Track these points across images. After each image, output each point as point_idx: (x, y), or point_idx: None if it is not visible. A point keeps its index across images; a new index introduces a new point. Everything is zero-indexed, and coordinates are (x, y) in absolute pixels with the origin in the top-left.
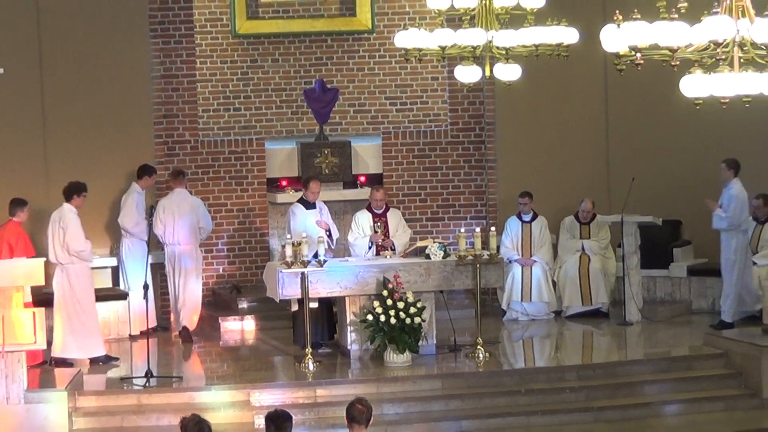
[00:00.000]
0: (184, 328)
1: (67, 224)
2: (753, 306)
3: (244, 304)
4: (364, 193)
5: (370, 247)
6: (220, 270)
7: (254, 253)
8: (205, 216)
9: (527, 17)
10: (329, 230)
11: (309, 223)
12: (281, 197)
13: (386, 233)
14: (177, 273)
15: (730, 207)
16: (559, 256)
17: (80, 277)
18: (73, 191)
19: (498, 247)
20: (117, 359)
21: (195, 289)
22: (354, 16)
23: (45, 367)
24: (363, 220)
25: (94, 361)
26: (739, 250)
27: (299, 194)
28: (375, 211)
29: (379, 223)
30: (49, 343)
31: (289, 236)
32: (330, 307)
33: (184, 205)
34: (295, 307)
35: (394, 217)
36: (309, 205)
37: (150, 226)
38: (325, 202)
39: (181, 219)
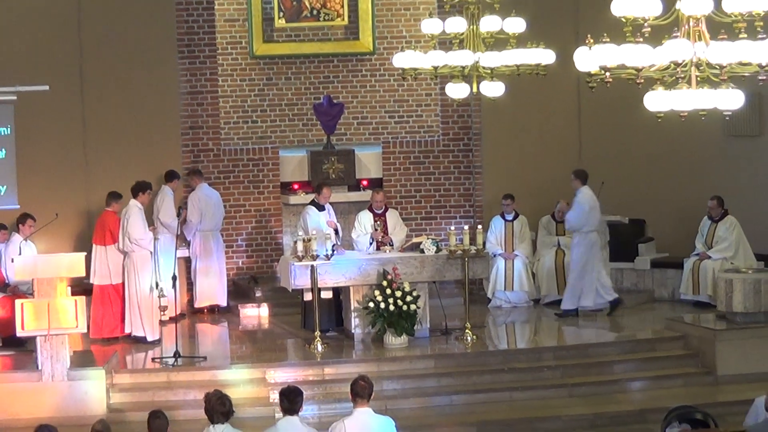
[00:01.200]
0: (214, 305)
1: (129, 216)
2: (607, 297)
3: (260, 293)
4: (366, 195)
5: (371, 243)
6: (240, 263)
7: (269, 248)
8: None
9: (510, 41)
10: (337, 228)
11: (321, 223)
12: (293, 199)
13: (385, 231)
14: (208, 255)
15: (572, 210)
16: (538, 251)
17: (142, 264)
18: (138, 189)
19: (484, 243)
20: (154, 341)
21: (223, 267)
22: (357, 39)
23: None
24: (365, 219)
25: (136, 340)
26: (587, 249)
27: (310, 196)
28: (375, 211)
29: (378, 222)
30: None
31: (301, 233)
32: (337, 298)
33: (213, 197)
34: (308, 297)
35: (392, 217)
36: (319, 207)
37: (178, 224)
38: (331, 203)
39: (214, 207)
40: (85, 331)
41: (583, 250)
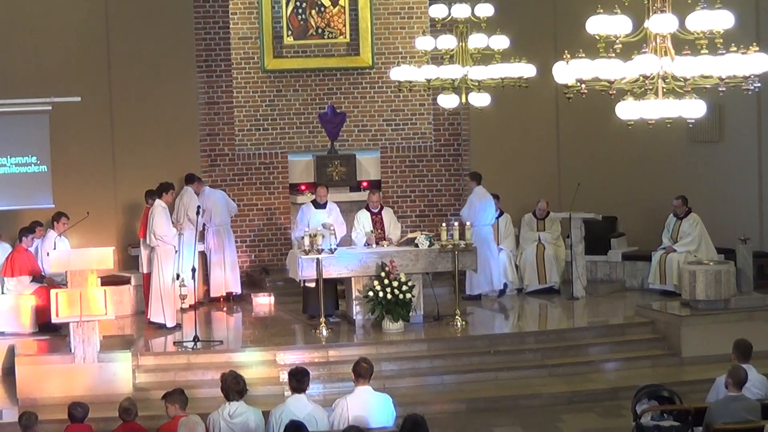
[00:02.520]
0: (230, 293)
1: (154, 215)
2: (497, 285)
3: (270, 283)
4: (366, 195)
5: (366, 246)
6: (252, 256)
7: (279, 243)
8: (231, 202)
9: (495, 56)
10: (333, 228)
11: (315, 220)
12: (301, 199)
13: (382, 227)
14: (221, 249)
15: (465, 207)
16: (521, 245)
17: (165, 258)
18: (162, 189)
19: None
20: (178, 327)
21: (235, 259)
22: (358, 55)
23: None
24: (363, 217)
25: (160, 327)
26: (479, 242)
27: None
28: (372, 210)
29: (373, 229)
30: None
31: (306, 229)
32: (335, 286)
33: (218, 196)
34: (311, 284)
35: (387, 215)
36: (319, 205)
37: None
38: (336, 202)
39: (221, 205)
40: (114, 318)
41: (481, 242)
